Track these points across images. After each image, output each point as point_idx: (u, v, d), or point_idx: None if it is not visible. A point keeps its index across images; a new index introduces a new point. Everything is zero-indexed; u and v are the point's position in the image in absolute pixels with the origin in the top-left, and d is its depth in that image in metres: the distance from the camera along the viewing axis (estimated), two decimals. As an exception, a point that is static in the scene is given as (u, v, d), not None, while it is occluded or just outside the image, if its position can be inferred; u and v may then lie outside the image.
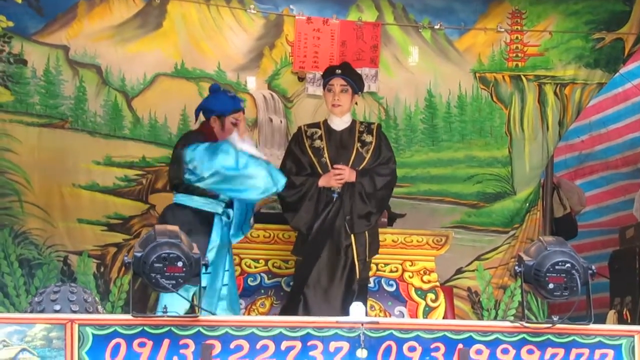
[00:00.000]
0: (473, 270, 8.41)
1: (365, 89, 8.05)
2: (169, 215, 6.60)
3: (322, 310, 6.77)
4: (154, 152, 8.01)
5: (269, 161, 6.63)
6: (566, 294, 5.33)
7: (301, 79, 8.26)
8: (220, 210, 6.66)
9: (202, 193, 6.58)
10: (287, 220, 7.11)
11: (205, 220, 6.61)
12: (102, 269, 7.96)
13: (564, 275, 5.31)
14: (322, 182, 7.01)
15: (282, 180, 6.53)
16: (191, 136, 6.72)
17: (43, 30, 7.87)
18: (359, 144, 7.12)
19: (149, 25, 8.04)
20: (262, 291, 7.45)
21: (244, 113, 6.84)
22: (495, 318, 8.24)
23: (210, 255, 6.43)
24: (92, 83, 8.00)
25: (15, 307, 7.68)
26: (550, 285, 5.32)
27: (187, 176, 6.42)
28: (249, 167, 6.37)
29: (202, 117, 6.90)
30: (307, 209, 6.99)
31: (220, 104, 6.76)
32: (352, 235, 6.98)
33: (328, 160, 7.07)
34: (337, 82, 7.12)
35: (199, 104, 6.93)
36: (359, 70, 7.67)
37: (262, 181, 6.40)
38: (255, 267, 7.48)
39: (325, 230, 6.95)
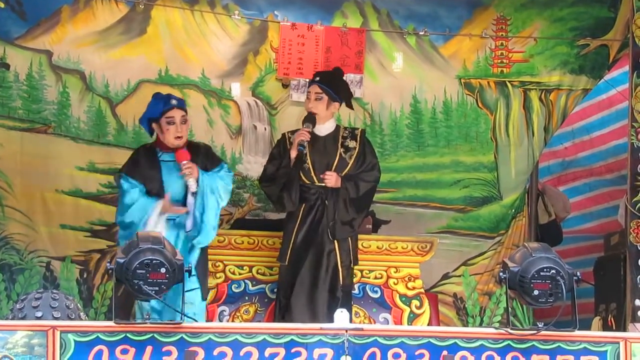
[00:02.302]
0: (459, 276, 8.41)
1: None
2: None
3: (305, 317, 6.77)
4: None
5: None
6: (551, 300, 5.33)
7: (285, 85, 8.25)
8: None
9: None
10: (276, 209, 7.16)
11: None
12: (85, 275, 7.94)
13: (549, 281, 5.31)
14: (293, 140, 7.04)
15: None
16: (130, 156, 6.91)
17: (26, 34, 7.85)
18: (342, 150, 7.12)
19: (133, 31, 8.03)
20: (247, 298, 7.44)
21: (183, 110, 6.83)
22: (480, 324, 8.24)
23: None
24: (76, 89, 7.98)
25: (-5, 312, 7.65)
26: (535, 292, 5.32)
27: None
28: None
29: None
30: (292, 187, 6.99)
31: (149, 110, 6.85)
32: (336, 242, 6.96)
33: (310, 166, 7.06)
34: (313, 90, 7.16)
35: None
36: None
37: None
38: (240, 274, 7.46)
39: (309, 237, 6.94)
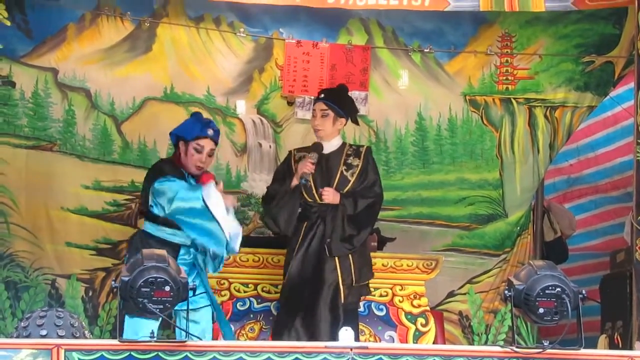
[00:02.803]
0: (465, 294, 8.40)
1: (355, 112, 8.08)
2: (136, 241, 6.59)
3: (305, 335, 6.75)
4: (143, 176, 7.97)
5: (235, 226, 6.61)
6: (556, 318, 5.31)
7: (290, 103, 8.26)
8: (188, 242, 6.59)
9: (168, 224, 6.56)
10: (273, 231, 7.12)
11: (170, 250, 6.46)
12: (90, 293, 7.94)
13: (554, 299, 5.29)
14: (297, 171, 7.03)
15: (235, 249, 6.56)
16: (158, 166, 6.73)
17: (32, 52, 7.88)
18: (343, 167, 7.12)
19: (138, 49, 8.05)
20: (252, 316, 7.44)
21: (215, 144, 6.79)
22: (485, 343, 8.22)
23: None
24: (81, 106, 8.00)
25: (0, 330, 7.64)
26: (541, 310, 5.30)
27: (153, 209, 6.50)
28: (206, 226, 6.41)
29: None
30: (288, 207, 6.99)
31: (184, 128, 6.77)
32: (337, 259, 6.95)
33: (312, 183, 7.05)
34: (318, 107, 7.14)
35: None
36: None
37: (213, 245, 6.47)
38: (245, 292, 7.46)
39: (309, 254, 6.93)
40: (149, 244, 6.48)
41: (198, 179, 6.70)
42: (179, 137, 6.76)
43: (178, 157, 6.75)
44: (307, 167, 6.98)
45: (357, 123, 7.46)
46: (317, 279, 6.94)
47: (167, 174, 6.58)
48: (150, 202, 6.57)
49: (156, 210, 6.53)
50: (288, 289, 6.98)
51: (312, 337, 6.73)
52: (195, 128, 6.73)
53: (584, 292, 5.39)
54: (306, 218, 7.05)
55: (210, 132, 6.74)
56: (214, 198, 6.45)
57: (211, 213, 6.39)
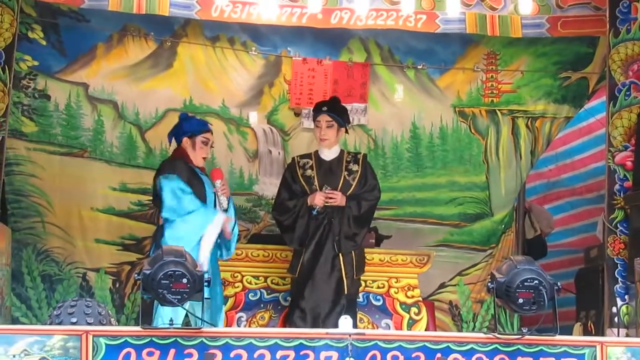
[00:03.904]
0: (455, 285, 8.40)
1: (355, 122, 8.11)
2: (158, 235, 6.59)
3: (314, 323, 6.76)
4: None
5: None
6: (534, 308, 5.31)
7: (297, 114, 8.28)
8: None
9: None
10: (285, 241, 7.11)
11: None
12: (117, 285, 7.95)
13: (532, 291, 5.29)
14: (309, 201, 7.01)
15: (232, 249, 6.62)
16: (173, 163, 6.69)
17: (65, 69, 7.90)
18: (345, 173, 7.12)
19: (160, 66, 8.07)
20: (262, 305, 7.44)
21: (212, 134, 6.83)
22: (473, 329, 8.22)
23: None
24: (109, 117, 8.02)
25: (37, 318, 7.67)
26: (520, 300, 5.30)
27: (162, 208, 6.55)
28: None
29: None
30: (300, 226, 6.99)
31: (190, 126, 6.78)
32: (340, 255, 6.97)
33: (318, 188, 7.05)
34: (323, 119, 7.11)
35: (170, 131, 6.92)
36: (349, 106, 7.71)
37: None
38: (256, 284, 7.46)
39: (316, 251, 6.94)
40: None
41: (212, 173, 6.73)
42: (184, 133, 6.74)
43: (183, 153, 6.74)
44: (319, 201, 6.95)
45: (347, 132, 7.44)
46: (326, 273, 6.94)
47: (181, 174, 6.58)
48: (158, 192, 6.58)
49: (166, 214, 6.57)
50: (300, 282, 6.97)
51: (319, 325, 6.74)
52: (199, 124, 6.81)
53: (559, 284, 5.40)
54: (313, 219, 7.04)
55: (210, 126, 6.85)
56: (216, 227, 6.52)
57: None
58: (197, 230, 6.48)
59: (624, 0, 7.49)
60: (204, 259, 6.45)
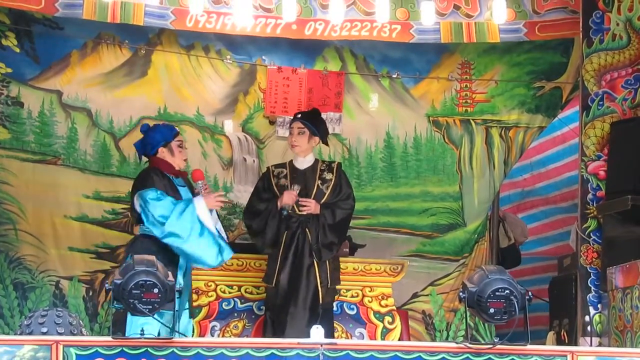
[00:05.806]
0: (427, 295, 8.39)
1: (330, 131, 8.07)
2: (137, 245, 6.54)
3: (290, 332, 6.74)
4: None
5: (220, 233, 6.61)
6: (505, 317, 5.32)
7: (272, 122, 8.27)
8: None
9: None
10: (256, 246, 7.10)
11: (170, 249, 6.50)
12: (90, 293, 7.90)
13: (503, 300, 5.30)
14: (279, 203, 6.99)
15: (228, 255, 6.52)
16: (147, 177, 6.61)
17: (39, 76, 7.86)
18: (319, 182, 7.12)
19: (135, 73, 8.04)
20: (236, 314, 7.42)
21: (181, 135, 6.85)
22: (447, 338, 8.22)
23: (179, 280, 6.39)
24: (83, 125, 7.98)
25: (9, 327, 7.61)
26: (491, 310, 5.31)
27: (147, 225, 6.47)
28: (199, 237, 6.39)
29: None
30: (271, 228, 6.98)
31: (162, 134, 6.74)
32: (316, 264, 6.95)
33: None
34: (296, 125, 7.13)
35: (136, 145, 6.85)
36: (324, 115, 7.69)
37: (208, 253, 6.44)
38: (229, 293, 7.44)
39: (292, 261, 6.93)
40: (149, 244, 6.45)
41: (193, 174, 6.70)
42: (158, 143, 6.69)
43: (161, 162, 6.69)
44: (289, 199, 6.96)
45: (327, 144, 7.45)
46: (300, 282, 6.93)
47: (156, 185, 6.52)
48: (138, 210, 6.53)
49: (155, 230, 6.48)
50: (276, 292, 6.95)
51: (295, 334, 6.71)
52: (169, 129, 6.78)
53: (530, 294, 5.41)
54: (287, 227, 7.03)
55: (177, 128, 6.86)
56: (203, 210, 6.45)
57: (203, 225, 6.41)
58: (194, 217, 6.43)
59: (597, 11, 7.54)
60: (218, 228, 6.49)
